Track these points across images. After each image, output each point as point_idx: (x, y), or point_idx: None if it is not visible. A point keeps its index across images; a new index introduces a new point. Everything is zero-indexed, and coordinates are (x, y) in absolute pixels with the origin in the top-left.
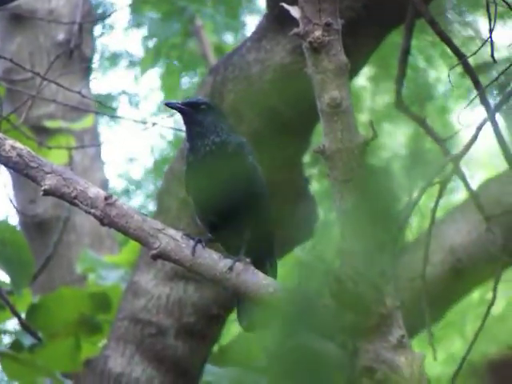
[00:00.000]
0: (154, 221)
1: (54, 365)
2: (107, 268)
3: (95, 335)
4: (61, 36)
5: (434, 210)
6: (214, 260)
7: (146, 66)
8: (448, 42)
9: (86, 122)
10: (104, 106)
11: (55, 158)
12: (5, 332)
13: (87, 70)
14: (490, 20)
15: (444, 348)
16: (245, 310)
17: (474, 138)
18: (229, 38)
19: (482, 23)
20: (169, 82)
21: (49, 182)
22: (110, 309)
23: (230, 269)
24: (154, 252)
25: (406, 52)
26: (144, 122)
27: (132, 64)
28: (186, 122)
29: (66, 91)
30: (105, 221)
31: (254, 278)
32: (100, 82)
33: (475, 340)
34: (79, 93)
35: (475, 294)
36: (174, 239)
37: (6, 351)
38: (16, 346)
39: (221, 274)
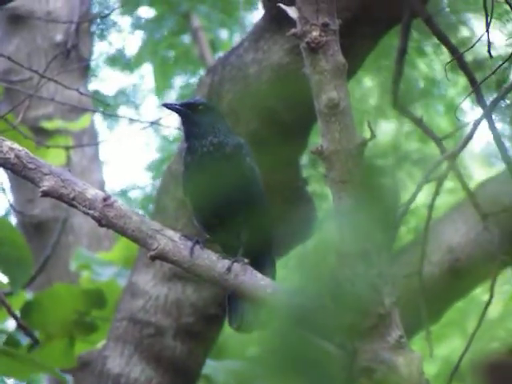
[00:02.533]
0: (152, 222)
1: (48, 362)
2: (102, 265)
3: (90, 333)
4: (58, 37)
5: (430, 207)
6: (212, 261)
7: (138, 63)
8: (444, 40)
9: (84, 121)
10: (102, 102)
11: (53, 159)
12: (1, 331)
13: (85, 71)
14: (486, 15)
15: (445, 346)
16: (236, 310)
17: (471, 135)
18: (224, 35)
19: (478, 23)
20: (163, 82)
21: (47, 183)
22: (105, 305)
23: (228, 270)
24: (153, 253)
25: (402, 52)
26: (142, 121)
27: (130, 64)
28: (183, 123)
29: (64, 92)
30: (103, 222)
31: (252, 279)
32: (98, 83)
33: (472, 339)
34: (77, 90)
35: (477, 292)
36: (172, 240)
37: (2, 348)
38: (11, 343)
39: (219, 274)
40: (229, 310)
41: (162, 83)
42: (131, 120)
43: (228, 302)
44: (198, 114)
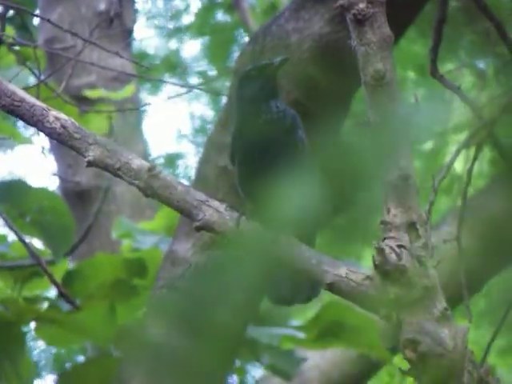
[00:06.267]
0: (197, 192)
1: (90, 329)
2: (143, 233)
3: (131, 299)
4: (101, 6)
5: (469, 171)
6: (257, 232)
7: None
8: (484, 9)
9: (127, 90)
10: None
11: (96, 129)
12: (45, 299)
13: (128, 39)
14: None
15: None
16: (274, 282)
17: (509, 102)
18: None
19: None
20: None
21: (92, 153)
22: (146, 274)
23: (274, 241)
24: (198, 224)
25: (441, 21)
26: (185, 86)
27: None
28: (244, 86)
29: (107, 61)
30: (148, 192)
31: (297, 250)
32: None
33: (509, 310)
34: (117, 53)
35: None
36: (217, 211)
37: (44, 314)
38: (53, 310)
39: (264, 246)
40: (267, 282)
41: (217, 52)
42: (172, 84)
43: (266, 273)
44: (255, 80)
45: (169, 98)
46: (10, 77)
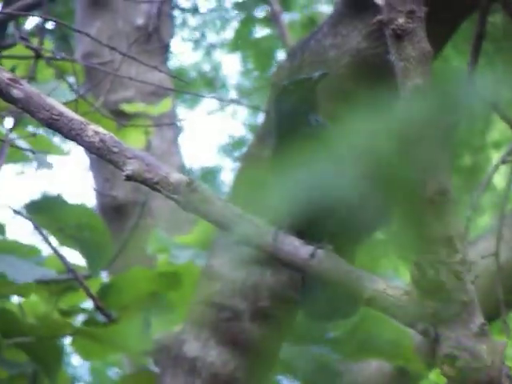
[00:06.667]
0: (235, 206)
1: (126, 343)
2: (179, 248)
3: (166, 313)
4: (140, 20)
5: (507, 186)
6: (295, 246)
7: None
8: None
9: (164, 105)
10: (181, 80)
11: (133, 143)
12: (81, 311)
13: (165, 54)
14: None
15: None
16: (310, 297)
17: None
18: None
19: None
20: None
21: (131, 167)
22: (181, 288)
23: (312, 256)
24: (236, 238)
25: (479, 37)
26: (221, 100)
27: (211, 48)
28: (284, 99)
29: (145, 75)
30: (187, 206)
31: (336, 265)
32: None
33: None
34: (156, 67)
35: None
36: (255, 225)
37: (80, 328)
38: (90, 323)
39: (302, 260)
40: (302, 297)
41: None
42: (211, 98)
43: (302, 289)
44: (303, 91)
45: (209, 112)
46: (49, 90)
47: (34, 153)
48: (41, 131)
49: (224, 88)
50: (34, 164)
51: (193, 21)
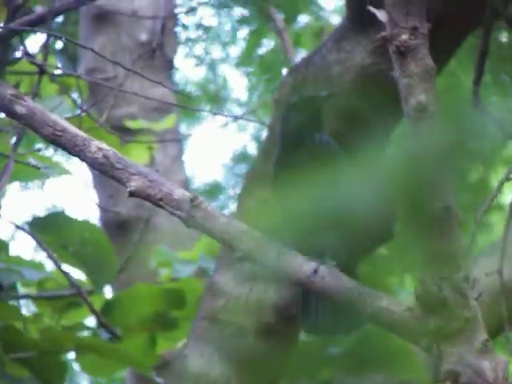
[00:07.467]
0: (239, 223)
1: (131, 359)
2: (182, 262)
3: (170, 331)
4: (143, 36)
5: (511, 203)
6: (298, 263)
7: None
8: None
9: (168, 121)
10: (185, 95)
11: (137, 159)
12: (84, 327)
13: (169, 69)
14: None
15: None
16: (310, 312)
17: None
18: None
19: None
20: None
21: (134, 183)
22: (185, 304)
23: (315, 272)
24: (239, 254)
25: (483, 53)
26: (226, 115)
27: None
28: (289, 117)
29: (148, 91)
30: (190, 223)
31: (338, 282)
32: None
33: None
34: (161, 83)
35: None
36: (258, 242)
37: (84, 342)
38: (93, 339)
39: (305, 276)
40: (302, 312)
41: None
42: (215, 113)
43: (302, 304)
44: (310, 109)
45: (215, 127)
46: (52, 106)
47: (38, 169)
48: (45, 151)
49: (228, 103)
50: (38, 181)
51: (196, 36)
